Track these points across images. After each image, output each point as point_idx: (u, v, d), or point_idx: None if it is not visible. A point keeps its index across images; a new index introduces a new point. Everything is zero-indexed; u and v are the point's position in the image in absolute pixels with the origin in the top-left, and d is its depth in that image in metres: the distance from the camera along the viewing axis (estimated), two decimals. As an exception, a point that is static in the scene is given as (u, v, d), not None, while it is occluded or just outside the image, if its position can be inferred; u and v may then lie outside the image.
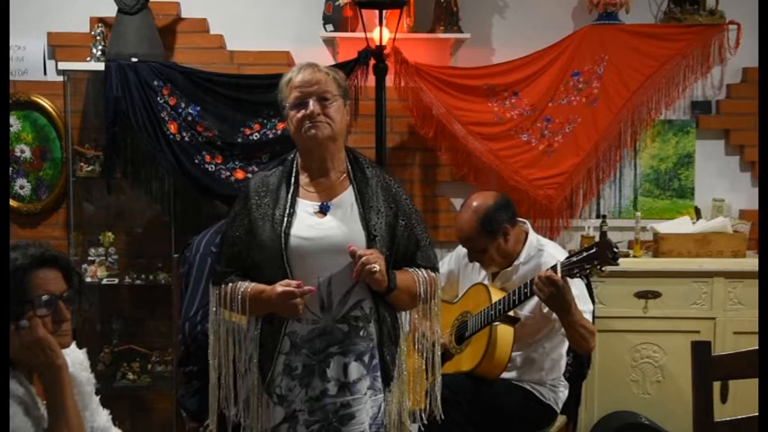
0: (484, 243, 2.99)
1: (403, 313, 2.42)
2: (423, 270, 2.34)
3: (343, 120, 2.33)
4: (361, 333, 2.27)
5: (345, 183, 2.34)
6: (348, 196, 2.31)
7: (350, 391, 2.25)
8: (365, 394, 2.27)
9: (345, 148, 2.40)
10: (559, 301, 2.71)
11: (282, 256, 2.23)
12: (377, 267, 2.16)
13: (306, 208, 2.29)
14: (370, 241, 2.25)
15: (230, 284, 2.30)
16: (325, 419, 2.24)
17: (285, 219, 2.25)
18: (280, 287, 2.19)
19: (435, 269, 2.39)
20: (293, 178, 2.34)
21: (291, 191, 2.31)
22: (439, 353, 2.45)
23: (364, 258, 2.16)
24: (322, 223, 2.27)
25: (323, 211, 2.29)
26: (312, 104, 2.26)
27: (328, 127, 2.27)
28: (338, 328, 2.25)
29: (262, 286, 2.25)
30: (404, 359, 2.39)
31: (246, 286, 2.27)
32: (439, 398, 2.43)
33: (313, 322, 2.25)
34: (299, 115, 2.27)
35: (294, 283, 2.19)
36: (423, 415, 2.42)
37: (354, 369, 2.26)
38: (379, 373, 2.30)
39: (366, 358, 2.28)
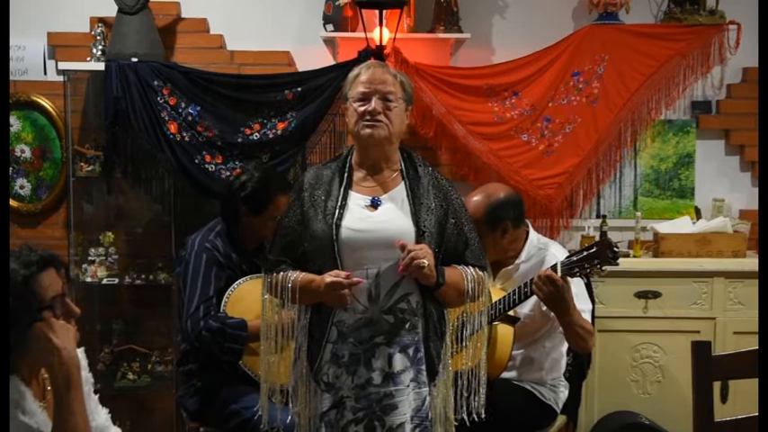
0: (481, 231, 2.98)
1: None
2: (471, 268, 2.37)
3: (402, 123, 2.39)
4: (407, 326, 2.30)
5: (398, 179, 2.39)
6: (400, 192, 2.36)
7: (393, 382, 2.28)
8: (408, 386, 2.30)
9: (400, 146, 2.44)
10: (558, 301, 2.71)
11: (333, 247, 2.27)
12: (425, 263, 2.20)
13: (357, 201, 2.34)
14: (419, 236, 2.28)
15: (281, 273, 2.35)
16: (369, 407, 2.28)
17: (337, 210, 2.30)
18: (329, 277, 2.24)
19: (483, 268, 2.41)
20: (347, 172, 2.38)
21: (344, 184, 2.35)
22: (485, 350, 2.48)
23: (413, 253, 2.20)
24: (373, 216, 2.31)
25: (374, 204, 2.34)
26: (375, 102, 2.30)
27: (386, 129, 2.32)
28: (384, 319, 2.29)
29: (311, 276, 2.30)
30: (449, 355, 2.41)
31: (297, 275, 2.32)
32: (483, 398, 2.45)
33: (360, 312, 2.29)
34: (362, 109, 2.31)
35: (343, 274, 2.23)
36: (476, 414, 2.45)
37: (399, 360, 2.29)
38: (423, 367, 2.33)
39: (411, 351, 2.31)
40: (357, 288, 2.25)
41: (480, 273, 2.39)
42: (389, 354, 2.29)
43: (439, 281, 2.28)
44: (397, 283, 2.29)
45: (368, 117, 2.30)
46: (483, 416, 2.44)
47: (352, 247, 2.28)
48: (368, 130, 2.31)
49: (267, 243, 2.74)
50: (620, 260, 2.67)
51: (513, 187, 3.87)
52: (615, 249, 2.59)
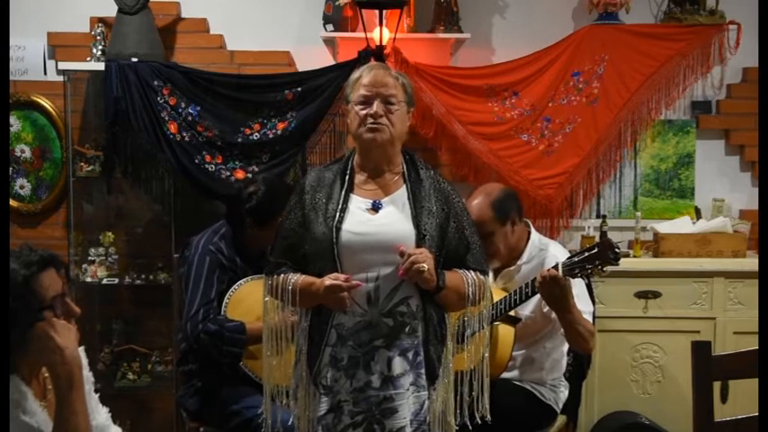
0: (492, 227, 2.98)
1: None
2: (472, 272, 2.37)
3: (404, 125, 2.38)
4: (407, 329, 2.30)
5: (399, 182, 2.38)
6: (401, 195, 2.35)
7: (393, 385, 2.28)
8: (408, 390, 2.30)
9: (402, 149, 2.43)
10: (560, 300, 2.72)
11: (333, 250, 2.27)
12: (425, 267, 2.19)
13: (359, 204, 2.34)
14: (420, 240, 2.28)
15: (282, 275, 2.35)
16: (368, 411, 2.28)
17: (338, 214, 2.30)
18: (328, 280, 2.24)
19: (485, 272, 2.41)
20: (348, 175, 2.38)
21: (345, 187, 2.35)
22: (487, 354, 2.48)
23: (413, 258, 2.20)
24: (374, 220, 2.31)
25: (375, 208, 2.33)
26: (377, 105, 2.30)
27: (388, 132, 2.31)
28: (384, 323, 2.28)
29: (311, 278, 2.30)
30: (450, 358, 2.40)
31: (297, 278, 2.33)
32: (487, 400, 2.45)
33: (360, 315, 2.28)
34: (363, 112, 2.31)
35: (342, 277, 2.23)
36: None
37: (398, 364, 2.28)
38: (422, 371, 2.32)
39: (410, 354, 2.30)
40: (357, 291, 2.25)
41: (481, 277, 2.38)
42: (389, 357, 2.28)
43: (439, 285, 2.28)
44: (397, 287, 2.28)
45: (370, 120, 2.30)
46: (488, 418, 2.43)
47: (353, 251, 2.27)
48: (370, 134, 2.30)
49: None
50: (621, 260, 2.66)
51: (514, 187, 3.90)
52: (617, 250, 2.59)
